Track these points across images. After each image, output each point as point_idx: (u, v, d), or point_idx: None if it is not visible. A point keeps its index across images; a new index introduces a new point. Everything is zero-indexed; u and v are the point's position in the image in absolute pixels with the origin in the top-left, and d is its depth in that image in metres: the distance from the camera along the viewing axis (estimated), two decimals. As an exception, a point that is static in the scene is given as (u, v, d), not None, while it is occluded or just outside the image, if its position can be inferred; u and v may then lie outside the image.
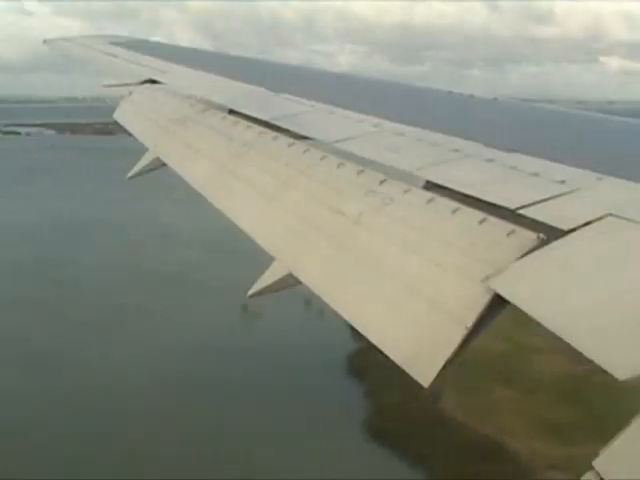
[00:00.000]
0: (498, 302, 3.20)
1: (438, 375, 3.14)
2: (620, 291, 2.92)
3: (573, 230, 3.37)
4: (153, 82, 9.87)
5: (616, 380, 2.53)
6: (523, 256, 3.32)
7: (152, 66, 11.07)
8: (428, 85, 8.57)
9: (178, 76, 9.99)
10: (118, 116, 9.50)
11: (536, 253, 3.31)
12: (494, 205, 3.78)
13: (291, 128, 5.96)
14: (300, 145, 5.50)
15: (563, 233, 3.36)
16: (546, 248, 3.33)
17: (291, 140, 5.65)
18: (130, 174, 7.97)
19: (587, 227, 3.38)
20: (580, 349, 2.67)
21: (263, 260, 4.76)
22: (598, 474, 2.44)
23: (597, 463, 2.45)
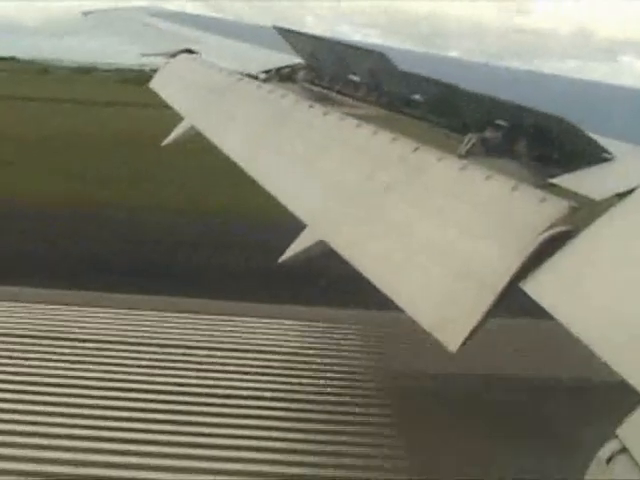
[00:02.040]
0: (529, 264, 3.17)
1: (465, 341, 3.16)
2: None
3: (605, 201, 3.34)
4: (189, 52, 9.92)
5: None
6: (554, 225, 3.29)
7: (189, 36, 11.11)
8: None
9: (214, 46, 10.03)
10: (155, 85, 9.60)
11: (563, 231, 3.25)
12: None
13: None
14: (334, 114, 5.51)
15: (595, 203, 3.34)
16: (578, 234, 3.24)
17: (325, 109, 5.65)
18: (165, 142, 8.11)
19: (620, 202, 3.32)
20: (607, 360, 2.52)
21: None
22: (621, 442, 2.34)
23: (620, 432, 2.38)
